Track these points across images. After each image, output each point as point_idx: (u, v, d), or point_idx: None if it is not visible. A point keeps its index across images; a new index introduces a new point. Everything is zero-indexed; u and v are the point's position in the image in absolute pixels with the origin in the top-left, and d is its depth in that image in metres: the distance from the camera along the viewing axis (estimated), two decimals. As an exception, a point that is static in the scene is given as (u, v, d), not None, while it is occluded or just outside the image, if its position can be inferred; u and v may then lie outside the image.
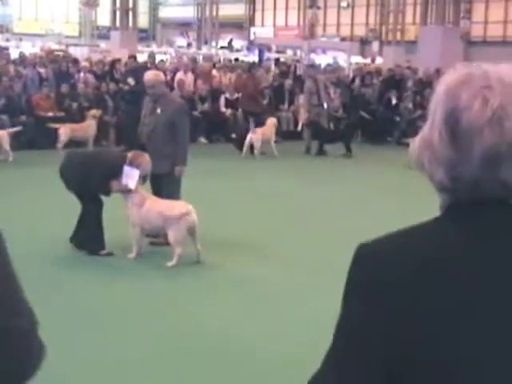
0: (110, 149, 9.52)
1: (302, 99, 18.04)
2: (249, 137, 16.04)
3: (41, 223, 9.51)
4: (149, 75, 8.97)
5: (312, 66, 20.31)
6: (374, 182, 13.55)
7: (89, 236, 8.16)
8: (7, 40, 40.40)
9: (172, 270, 7.80)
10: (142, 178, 8.16)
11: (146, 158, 8.13)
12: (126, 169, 8.02)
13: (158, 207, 8.00)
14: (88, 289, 7.20)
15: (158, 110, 8.67)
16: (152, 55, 20.17)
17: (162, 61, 23.22)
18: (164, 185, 8.53)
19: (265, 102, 18.74)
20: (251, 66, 18.43)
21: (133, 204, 8.05)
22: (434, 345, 1.37)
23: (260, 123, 16.78)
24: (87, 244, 8.18)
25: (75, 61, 20.23)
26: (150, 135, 8.69)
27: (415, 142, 1.51)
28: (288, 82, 19.98)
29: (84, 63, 19.29)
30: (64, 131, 15.26)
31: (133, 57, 17.65)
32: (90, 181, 7.95)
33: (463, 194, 1.44)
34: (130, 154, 8.14)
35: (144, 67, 18.79)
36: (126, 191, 8.04)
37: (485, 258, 1.40)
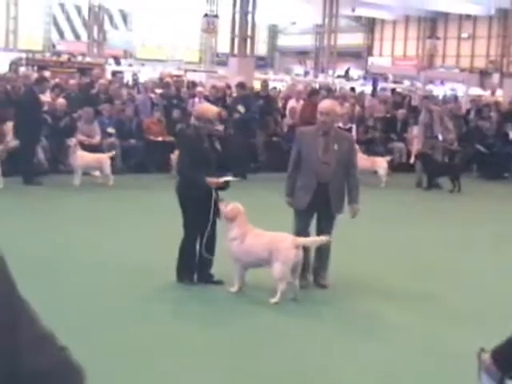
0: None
1: (415, 130, 17.50)
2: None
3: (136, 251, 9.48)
4: (326, 102, 8.29)
5: (427, 97, 19.64)
6: (488, 222, 12.91)
7: (178, 262, 7.98)
8: (130, 65, 41.63)
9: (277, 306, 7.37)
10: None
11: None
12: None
13: (262, 239, 7.59)
14: (181, 323, 7.00)
15: (335, 147, 7.85)
16: (264, 83, 20.09)
17: (274, 88, 23.22)
18: (331, 224, 8.01)
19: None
20: (311, 93, 17.69)
21: (233, 238, 7.67)
22: None
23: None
24: (177, 269, 7.98)
25: (193, 85, 20.44)
26: (333, 175, 7.86)
27: None
28: (401, 112, 19.52)
29: (199, 88, 19.44)
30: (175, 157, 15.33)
31: (241, 84, 17.51)
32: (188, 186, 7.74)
33: None
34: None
35: (255, 95, 18.82)
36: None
37: None
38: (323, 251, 8.03)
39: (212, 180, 7.67)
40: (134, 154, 16.10)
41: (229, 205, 7.74)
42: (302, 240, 7.58)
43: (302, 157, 7.92)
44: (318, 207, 7.88)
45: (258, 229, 7.80)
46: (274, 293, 7.42)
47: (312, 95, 17.37)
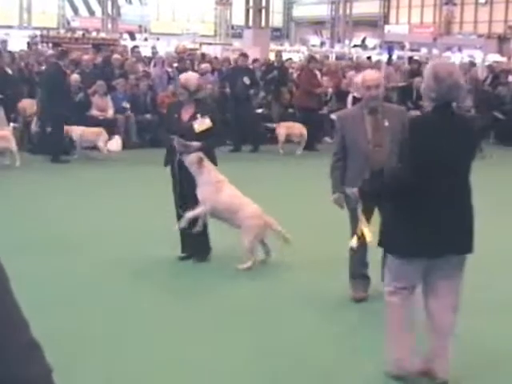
0: None
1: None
2: None
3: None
4: (372, 73, 6.84)
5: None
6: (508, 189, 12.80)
7: None
8: (145, 39, 41.55)
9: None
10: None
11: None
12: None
13: (235, 203, 7.57)
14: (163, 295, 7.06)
15: (386, 123, 6.49)
16: (278, 53, 19.99)
17: (290, 59, 23.09)
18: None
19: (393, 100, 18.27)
20: (309, 60, 17.46)
21: (204, 182, 7.52)
22: (432, 150, 4.71)
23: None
24: None
25: (203, 57, 20.34)
26: (388, 159, 6.07)
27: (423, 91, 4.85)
28: (418, 80, 19.31)
29: (204, 65, 19.10)
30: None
31: (243, 55, 17.30)
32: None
33: (439, 102, 4.71)
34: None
35: (269, 66, 18.72)
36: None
37: (443, 122, 4.75)
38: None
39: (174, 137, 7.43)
40: (148, 129, 16.07)
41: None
42: (269, 220, 7.60)
43: (347, 145, 6.57)
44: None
45: (231, 186, 7.74)
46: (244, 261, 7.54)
47: (310, 62, 17.25)
